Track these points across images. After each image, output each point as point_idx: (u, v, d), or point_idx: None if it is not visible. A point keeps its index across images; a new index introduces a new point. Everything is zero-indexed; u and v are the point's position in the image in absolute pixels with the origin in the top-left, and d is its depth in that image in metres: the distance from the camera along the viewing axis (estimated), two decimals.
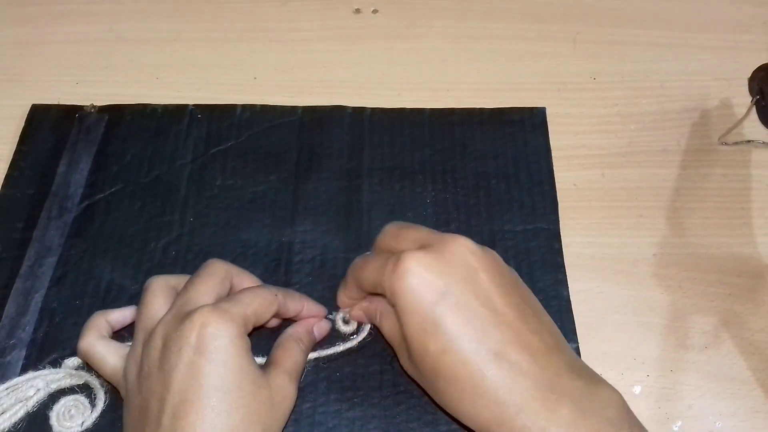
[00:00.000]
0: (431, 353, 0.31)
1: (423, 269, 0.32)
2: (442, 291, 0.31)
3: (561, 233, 0.43)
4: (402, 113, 0.49)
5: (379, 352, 0.39)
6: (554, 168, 0.46)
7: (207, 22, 0.55)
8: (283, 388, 0.34)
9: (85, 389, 0.37)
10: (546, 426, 0.29)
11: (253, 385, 0.32)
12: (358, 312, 0.39)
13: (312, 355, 0.38)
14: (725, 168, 0.47)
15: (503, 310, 0.32)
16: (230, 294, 0.37)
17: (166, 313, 0.34)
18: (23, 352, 0.39)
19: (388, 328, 0.36)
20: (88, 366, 0.38)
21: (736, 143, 0.48)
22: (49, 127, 0.48)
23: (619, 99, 0.51)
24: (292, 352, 0.36)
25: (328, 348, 0.38)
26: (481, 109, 0.49)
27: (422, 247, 0.33)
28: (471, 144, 0.47)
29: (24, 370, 0.38)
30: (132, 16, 0.56)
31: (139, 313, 0.36)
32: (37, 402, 0.37)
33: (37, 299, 0.41)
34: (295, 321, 0.38)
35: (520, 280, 0.35)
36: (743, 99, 0.49)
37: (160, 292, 0.36)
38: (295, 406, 0.36)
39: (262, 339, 0.37)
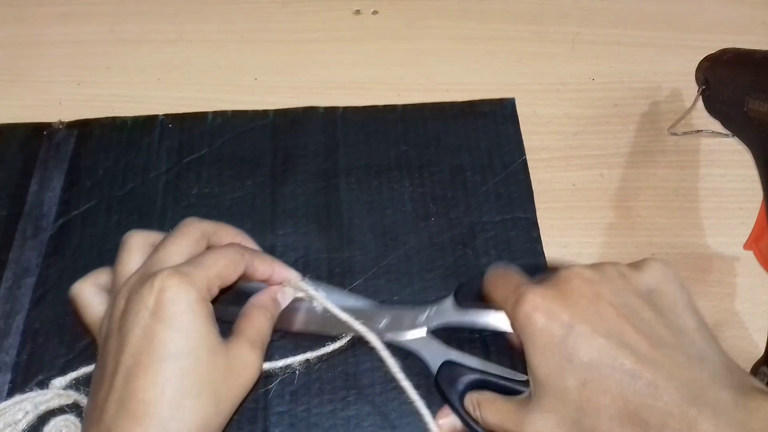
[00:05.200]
0: (571, 389, 0.31)
1: (547, 304, 0.31)
2: (568, 324, 0.31)
3: (560, 233, 0.44)
4: (375, 110, 0.49)
5: (370, 350, 0.39)
6: (553, 168, 0.47)
7: (208, 23, 0.55)
8: (244, 356, 0.33)
9: (75, 408, 0.37)
10: None
11: (209, 353, 0.32)
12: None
13: (303, 357, 0.38)
14: (724, 168, 0.48)
15: (629, 332, 0.31)
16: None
17: (134, 272, 0.34)
18: (8, 376, 0.38)
19: (494, 412, 0.34)
20: (76, 385, 0.37)
21: (685, 133, 0.49)
22: (17, 146, 0.47)
23: (618, 99, 0.51)
24: (255, 321, 0.35)
25: (318, 349, 0.38)
26: (452, 103, 0.50)
27: (541, 281, 0.33)
28: (444, 138, 0.48)
29: (10, 393, 0.38)
30: (133, 17, 0.55)
31: (114, 270, 0.36)
32: (26, 425, 0.36)
33: (19, 321, 0.40)
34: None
35: (647, 283, 0.33)
36: None
37: (136, 248, 0.36)
38: (289, 410, 0.37)
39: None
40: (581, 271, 0.32)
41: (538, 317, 0.31)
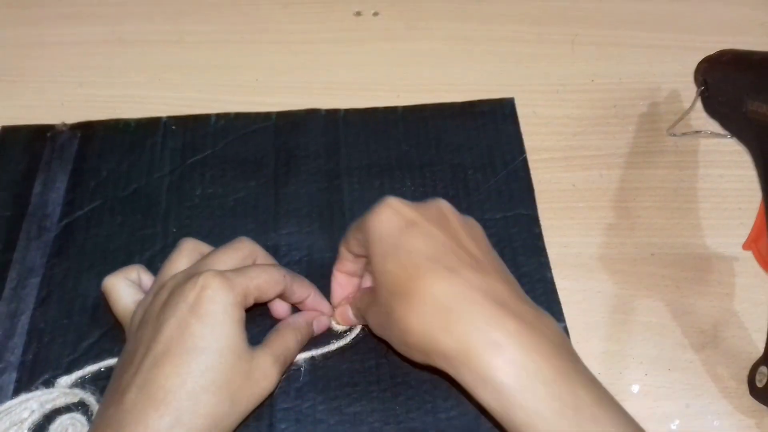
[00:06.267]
0: (389, 272, 0.32)
1: (400, 204, 0.34)
2: (411, 221, 0.33)
3: (560, 233, 0.44)
4: (375, 112, 0.50)
5: (374, 347, 0.39)
6: (553, 169, 0.47)
7: (209, 24, 0.56)
8: (265, 368, 0.34)
9: (81, 406, 0.37)
10: (491, 333, 0.30)
11: (234, 355, 0.33)
12: (347, 312, 0.39)
13: (308, 354, 0.38)
14: (723, 169, 0.48)
15: (465, 243, 0.34)
16: None
17: (182, 271, 0.36)
18: (14, 375, 0.38)
19: (373, 316, 0.36)
20: (82, 384, 0.38)
21: (684, 134, 0.49)
22: (20, 148, 0.47)
23: (618, 100, 0.51)
24: (285, 339, 0.36)
25: (323, 347, 0.39)
26: (452, 103, 0.50)
27: None
28: (445, 137, 0.48)
29: (16, 392, 0.38)
30: (134, 17, 0.56)
31: (162, 266, 0.38)
32: (32, 423, 0.36)
33: (24, 321, 0.40)
34: (301, 310, 0.39)
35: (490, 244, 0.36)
36: None
37: (187, 252, 0.38)
38: (294, 406, 0.37)
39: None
40: (441, 200, 0.36)
41: (387, 212, 0.34)
